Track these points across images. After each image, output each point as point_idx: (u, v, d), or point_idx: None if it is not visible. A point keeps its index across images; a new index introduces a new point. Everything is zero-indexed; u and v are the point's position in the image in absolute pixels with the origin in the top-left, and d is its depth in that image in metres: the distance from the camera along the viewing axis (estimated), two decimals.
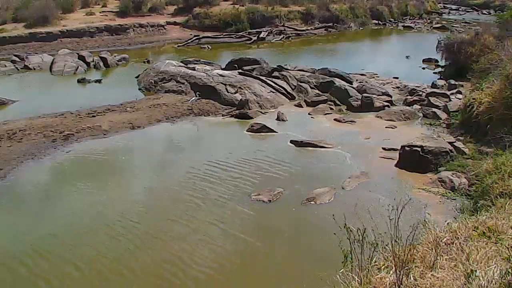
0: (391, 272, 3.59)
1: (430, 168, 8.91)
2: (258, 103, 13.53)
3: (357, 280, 3.62)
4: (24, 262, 6.23)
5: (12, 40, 22.78)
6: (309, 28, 29.58)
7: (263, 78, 14.91)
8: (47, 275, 5.99)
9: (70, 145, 10.46)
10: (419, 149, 9.03)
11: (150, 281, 5.86)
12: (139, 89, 15.56)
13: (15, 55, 20.00)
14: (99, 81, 16.84)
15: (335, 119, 12.33)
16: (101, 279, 5.88)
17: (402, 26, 33.25)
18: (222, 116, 12.82)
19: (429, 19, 36.54)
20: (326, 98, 13.86)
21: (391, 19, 34.52)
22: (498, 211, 5.08)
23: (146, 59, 20.45)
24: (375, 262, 3.84)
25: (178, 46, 24.26)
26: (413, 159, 9.00)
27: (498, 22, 18.63)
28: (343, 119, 12.28)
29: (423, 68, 19.36)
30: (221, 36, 26.45)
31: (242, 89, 14.06)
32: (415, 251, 3.80)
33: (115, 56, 19.95)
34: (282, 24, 28.94)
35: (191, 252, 6.41)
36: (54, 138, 10.77)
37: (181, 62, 17.14)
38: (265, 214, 7.49)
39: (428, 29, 31.31)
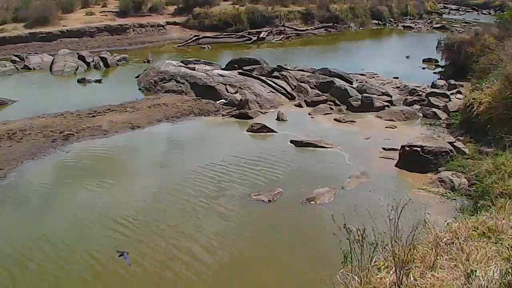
0: (391, 272, 3.59)
1: (430, 168, 8.91)
2: (258, 103, 13.52)
3: (357, 280, 3.62)
4: (20, 263, 6.22)
5: (12, 40, 22.72)
6: (309, 28, 29.54)
7: (263, 78, 14.91)
8: (43, 277, 6.00)
9: (70, 145, 10.46)
10: (419, 149, 9.03)
11: (147, 281, 5.86)
12: (139, 89, 15.56)
13: (15, 55, 19.96)
14: (99, 81, 16.83)
15: (335, 119, 12.33)
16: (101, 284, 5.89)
17: (402, 26, 33.21)
18: (222, 116, 12.82)
19: (429, 19, 36.51)
20: (326, 98, 13.86)
21: (391, 19, 34.46)
22: (498, 211, 5.08)
23: (146, 59, 20.44)
24: (375, 262, 3.84)
25: (178, 46, 24.25)
26: (413, 159, 9.00)
27: (498, 22, 18.61)
28: (343, 119, 12.28)
29: (423, 68, 19.36)
30: (221, 36, 26.42)
31: (242, 89, 14.06)
32: (415, 251, 3.80)
33: (115, 56, 19.93)
34: (282, 24, 28.90)
35: (190, 251, 6.42)
36: (54, 138, 10.77)
37: (181, 62, 17.13)
38: (265, 214, 7.49)
39: (428, 29, 31.30)
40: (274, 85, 14.48)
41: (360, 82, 15.46)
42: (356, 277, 3.64)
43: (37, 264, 6.20)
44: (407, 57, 21.38)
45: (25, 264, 6.18)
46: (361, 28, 31.62)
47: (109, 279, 5.93)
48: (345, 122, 12.17)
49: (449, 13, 42.32)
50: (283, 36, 27.12)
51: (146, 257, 6.27)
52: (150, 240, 6.70)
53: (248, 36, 26.37)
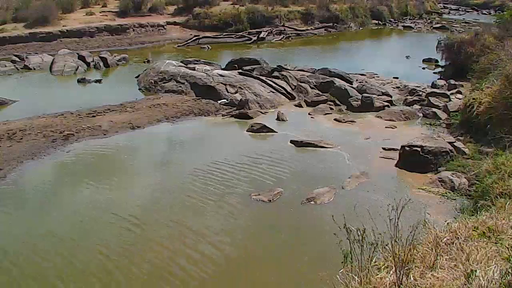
0: (391, 272, 3.59)
1: (430, 168, 8.91)
2: (258, 103, 13.53)
3: (357, 280, 3.62)
4: (20, 263, 6.22)
5: (12, 40, 22.69)
6: (309, 28, 29.54)
7: (263, 78, 14.91)
8: (43, 277, 6.00)
9: (70, 145, 10.46)
10: (419, 149, 9.03)
11: (148, 281, 5.86)
12: (139, 89, 15.56)
13: (15, 55, 19.95)
14: (99, 81, 16.83)
15: (335, 119, 12.34)
16: (104, 279, 5.89)
17: (402, 26, 33.21)
18: (222, 116, 12.82)
19: (429, 19, 36.52)
20: (326, 98, 13.86)
21: (391, 19, 34.46)
22: (498, 211, 5.08)
23: (146, 59, 20.44)
24: (375, 262, 3.84)
25: (178, 46, 24.24)
26: (413, 159, 9.01)
27: (498, 22, 18.61)
28: (343, 119, 12.28)
29: (423, 68, 19.36)
30: (221, 36, 26.41)
31: (242, 89, 14.06)
32: (415, 251, 3.79)
33: (115, 56, 19.93)
34: (282, 24, 28.91)
35: (190, 252, 6.42)
36: (54, 138, 10.77)
37: (181, 62, 17.13)
38: (265, 214, 7.49)
39: (428, 29, 31.30)
40: (274, 85, 14.48)
41: (360, 82, 15.46)
42: (356, 277, 3.64)
43: (38, 262, 6.21)
44: (407, 57, 21.38)
45: (26, 263, 6.18)
46: (361, 28, 31.61)
47: (113, 274, 5.93)
48: (345, 122, 12.17)
49: (449, 13, 42.34)
50: (283, 36, 27.12)
51: (145, 258, 6.28)
52: (149, 240, 6.69)
53: (248, 36, 26.36)
